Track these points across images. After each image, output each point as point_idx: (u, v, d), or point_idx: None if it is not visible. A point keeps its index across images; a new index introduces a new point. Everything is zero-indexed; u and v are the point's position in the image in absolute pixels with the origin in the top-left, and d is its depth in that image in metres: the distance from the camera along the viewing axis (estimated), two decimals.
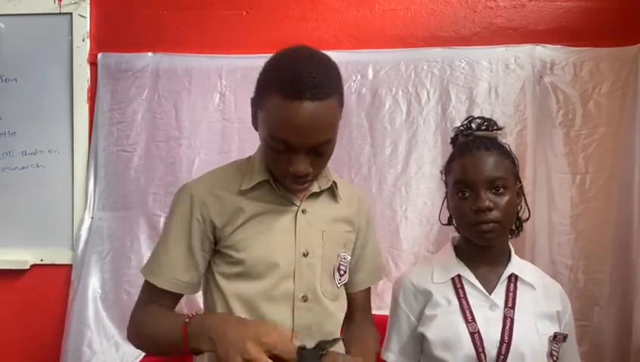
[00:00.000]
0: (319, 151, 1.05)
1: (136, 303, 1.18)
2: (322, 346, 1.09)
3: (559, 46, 1.91)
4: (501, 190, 1.20)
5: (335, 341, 1.14)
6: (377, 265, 1.34)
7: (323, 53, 1.08)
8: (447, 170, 1.31)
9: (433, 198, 1.91)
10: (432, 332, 1.22)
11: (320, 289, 1.15)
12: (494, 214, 1.19)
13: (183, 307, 1.86)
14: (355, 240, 1.26)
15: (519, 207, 1.30)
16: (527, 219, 1.32)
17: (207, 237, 1.14)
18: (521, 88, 1.91)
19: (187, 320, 1.02)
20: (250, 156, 1.22)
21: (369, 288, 1.33)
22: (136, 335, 1.15)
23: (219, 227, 1.13)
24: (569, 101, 1.89)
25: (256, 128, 1.12)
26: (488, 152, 1.22)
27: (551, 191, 1.90)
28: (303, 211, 1.16)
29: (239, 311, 1.11)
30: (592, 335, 1.84)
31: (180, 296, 1.17)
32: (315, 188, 1.17)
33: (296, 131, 1.00)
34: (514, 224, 1.30)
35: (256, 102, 1.09)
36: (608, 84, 1.88)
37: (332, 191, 1.21)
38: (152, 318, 1.11)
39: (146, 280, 1.16)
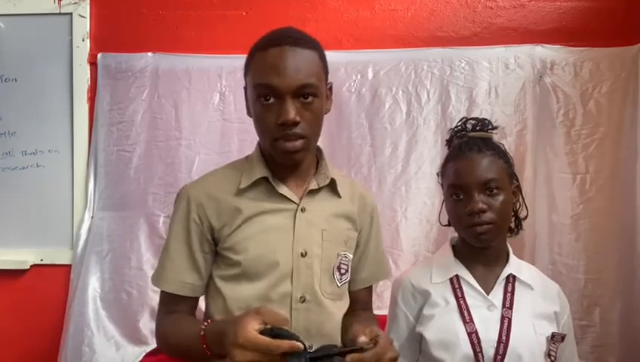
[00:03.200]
0: (305, 101, 1.07)
1: (157, 311, 1.21)
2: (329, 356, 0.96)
3: (559, 46, 1.91)
4: (495, 191, 1.21)
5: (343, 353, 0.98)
6: (380, 263, 1.32)
7: None
8: (442, 172, 1.32)
9: (433, 198, 1.91)
10: (430, 332, 1.22)
11: (319, 289, 1.14)
12: (488, 215, 1.20)
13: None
14: (358, 238, 1.24)
15: (517, 206, 1.30)
16: (526, 217, 1.32)
17: (206, 238, 1.15)
18: (521, 88, 1.90)
19: (204, 327, 1.03)
20: (248, 155, 1.21)
21: (371, 286, 1.31)
22: (162, 344, 1.18)
23: (217, 228, 1.13)
24: (569, 101, 1.89)
25: (250, 115, 1.15)
26: (481, 154, 1.23)
27: (551, 192, 1.89)
28: (302, 210, 1.14)
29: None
30: (593, 336, 1.84)
31: (194, 299, 1.18)
32: (313, 185, 1.16)
33: (279, 71, 1.05)
34: (513, 223, 1.31)
35: (245, 76, 1.14)
36: (608, 84, 1.87)
37: (332, 187, 1.19)
38: (172, 328, 1.13)
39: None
